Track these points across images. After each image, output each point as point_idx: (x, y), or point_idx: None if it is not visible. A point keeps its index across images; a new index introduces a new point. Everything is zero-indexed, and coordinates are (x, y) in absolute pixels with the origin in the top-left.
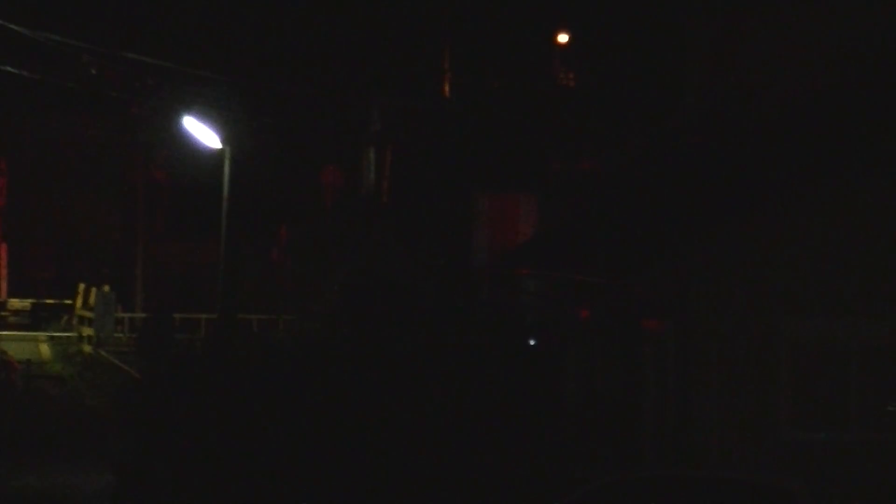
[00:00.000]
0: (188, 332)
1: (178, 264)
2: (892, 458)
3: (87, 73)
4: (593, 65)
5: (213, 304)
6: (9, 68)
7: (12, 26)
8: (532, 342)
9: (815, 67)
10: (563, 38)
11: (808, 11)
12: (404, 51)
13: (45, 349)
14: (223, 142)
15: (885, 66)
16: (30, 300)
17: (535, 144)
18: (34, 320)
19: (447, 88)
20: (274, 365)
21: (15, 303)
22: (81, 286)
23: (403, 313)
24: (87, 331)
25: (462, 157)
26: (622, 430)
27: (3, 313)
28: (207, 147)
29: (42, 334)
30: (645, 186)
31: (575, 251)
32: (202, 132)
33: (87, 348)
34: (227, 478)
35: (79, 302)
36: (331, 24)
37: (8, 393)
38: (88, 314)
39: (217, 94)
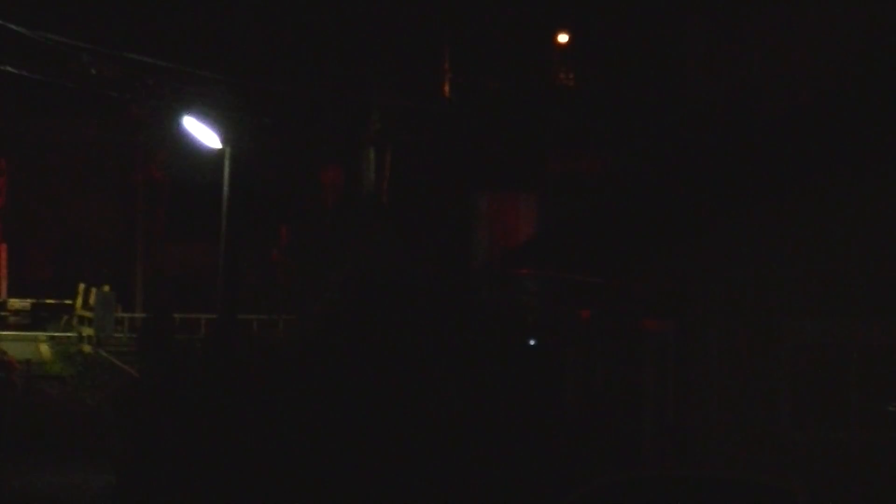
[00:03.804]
0: (188, 332)
1: (178, 264)
2: (892, 458)
3: (87, 73)
4: (593, 65)
5: (213, 304)
6: (9, 68)
7: (12, 26)
8: (532, 342)
9: (815, 67)
10: (563, 38)
11: (807, 11)
12: (404, 51)
13: (45, 349)
14: (223, 142)
15: (885, 66)
16: (30, 300)
17: (534, 144)
18: (34, 320)
19: (447, 88)
20: (274, 365)
21: (15, 303)
22: (81, 286)
23: (403, 313)
24: (87, 331)
25: (462, 157)
26: (622, 430)
27: (3, 313)
28: (207, 147)
29: (42, 334)
30: (645, 186)
31: (575, 251)
32: (202, 132)
33: (87, 348)
34: (227, 478)
35: (79, 302)
36: (330, 23)
37: (8, 393)
38: (88, 314)
39: (217, 94)
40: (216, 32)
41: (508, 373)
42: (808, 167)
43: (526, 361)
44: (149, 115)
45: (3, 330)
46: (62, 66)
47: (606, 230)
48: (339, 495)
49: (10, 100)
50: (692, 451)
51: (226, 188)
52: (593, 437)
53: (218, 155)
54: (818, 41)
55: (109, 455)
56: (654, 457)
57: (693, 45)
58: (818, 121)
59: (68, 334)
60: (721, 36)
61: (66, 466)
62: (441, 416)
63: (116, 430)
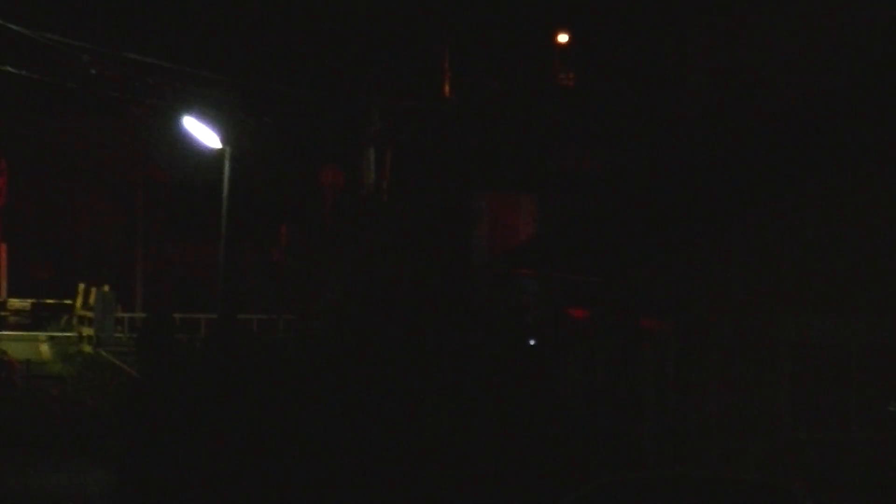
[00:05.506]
0: (188, 332)
1: (178, 264)
2: (892, 458)
3: (87, 73)
4: (593, 65)
5: (213, 304)
6: (9, 68)
7: (12, 26)
8: (532, 342)
9: (815, 67)
10: (563, 38)
11: (807, 11)
12: (404, 51)
13: (45, 349)
14: (223, 142)
15: (885, 66)
16: (30, 300)
17: (535, 144)
18: (34, 320)
19: (447, 88)
20: (274, 365)
21: (15, 303)
22: (81, 286)
23: (404, 313)
24: (87, 331)
25: (462, 157)
26: (622, 430)
27: (3, 313)
28: (207, 147)
29: (42, 334)
30: (645, 186)
31: (575, 251)
32: (202, 132)
33: (87, 348)
34: (227, 477)
35: (79, 302)
36: (331, 24)
37: (8, 393)
38: (88, 314)
39: (217, 94)
40: (216, 33)
41: (508, 373)
42: (809, 168)
43: (526, 361)
44: (149, 115)
45: (3, 330)
46: (62, 66)
47: (606, 230)
48: (340, 495)
49: (10, 100)
50: (692, 451)
51: (226, 188)
52: (593, 437)
53: (218, 155)
54: (818, 42)
55: (109, 455)
56: (654, 457)
57: (693, 46)
58: (818, 121)
59: (68, 334)
60: (721, 36)
61: (66, 466)
62: (441, 415)
63: (116, 430)
